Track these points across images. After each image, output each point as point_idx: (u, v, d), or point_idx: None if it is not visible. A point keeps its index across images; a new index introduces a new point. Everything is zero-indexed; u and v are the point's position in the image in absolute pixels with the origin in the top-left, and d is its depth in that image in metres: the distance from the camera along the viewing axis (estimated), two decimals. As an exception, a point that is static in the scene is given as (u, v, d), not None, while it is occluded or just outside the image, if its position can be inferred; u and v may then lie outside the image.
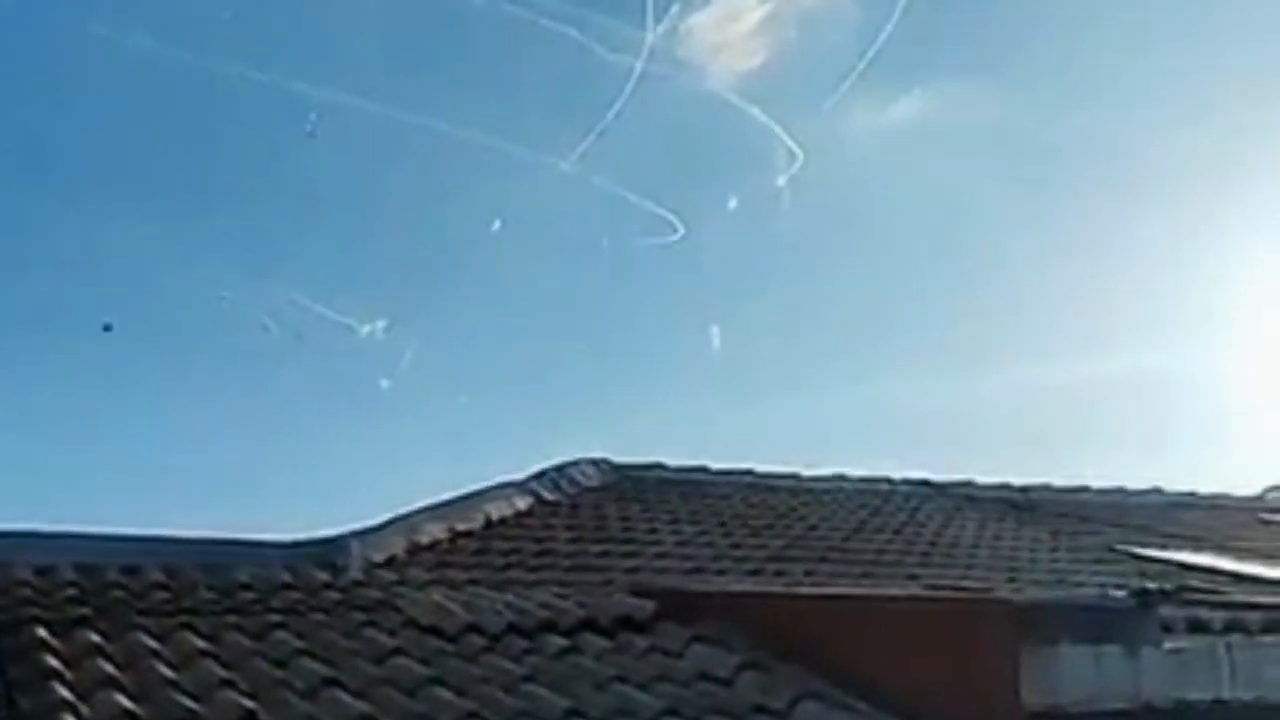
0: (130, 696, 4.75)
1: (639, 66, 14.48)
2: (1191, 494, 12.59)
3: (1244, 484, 13.22)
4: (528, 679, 5.30)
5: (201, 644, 5.43)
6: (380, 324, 15.03)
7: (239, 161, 15.71)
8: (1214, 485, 12.73)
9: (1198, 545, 9.91)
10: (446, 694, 5.07)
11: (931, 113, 15.88)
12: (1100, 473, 12.52)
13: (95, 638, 5.38)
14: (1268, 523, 11.80)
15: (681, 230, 15.18)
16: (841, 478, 11.76)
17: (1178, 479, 12.65)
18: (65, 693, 4.72)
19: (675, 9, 15.05)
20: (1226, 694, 5.36)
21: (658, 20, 14.57)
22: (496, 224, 15.64)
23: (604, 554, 8.07)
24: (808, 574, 7.87)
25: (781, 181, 15.39)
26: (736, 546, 8.73)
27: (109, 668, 5.01)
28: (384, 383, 15.75)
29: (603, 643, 5.89)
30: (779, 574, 7.85)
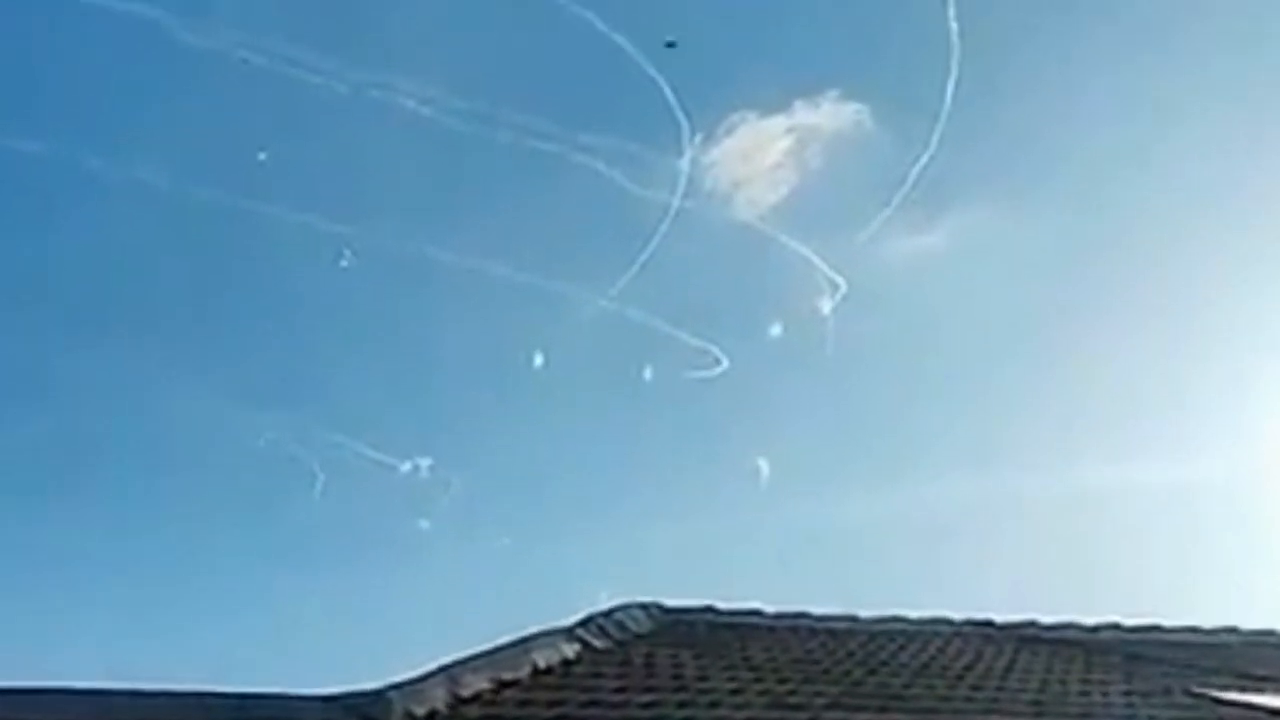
0: None
1: (675, 201, 14.51)
2: (1269, 631, 12.07)
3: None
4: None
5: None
6: (424, 462, 14.88)
7: (277, 301, 15.83)
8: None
9: (1278, 686, 9.43)
10: None
11: (966, 239, 15.85)
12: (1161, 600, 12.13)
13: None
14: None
15: (725, 362, 15.05)
16: (900, 618, 11.37)
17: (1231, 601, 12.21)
18: None
19: (699, 140, 15.13)
20: None
21: (682, 153, 14.63)
22: (538, 359, 15.58)
23: (653, 704, 7.73)
24: (869, 724, 7.49)
25: (826, 310, 15.30)
26: (793, 693, 8.35)
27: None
28: (424, 523, 15.56)
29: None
30: (838, 724, 7.47)
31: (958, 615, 11.57)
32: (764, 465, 15.18)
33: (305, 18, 16.24)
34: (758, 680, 8.73)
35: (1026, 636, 11.28)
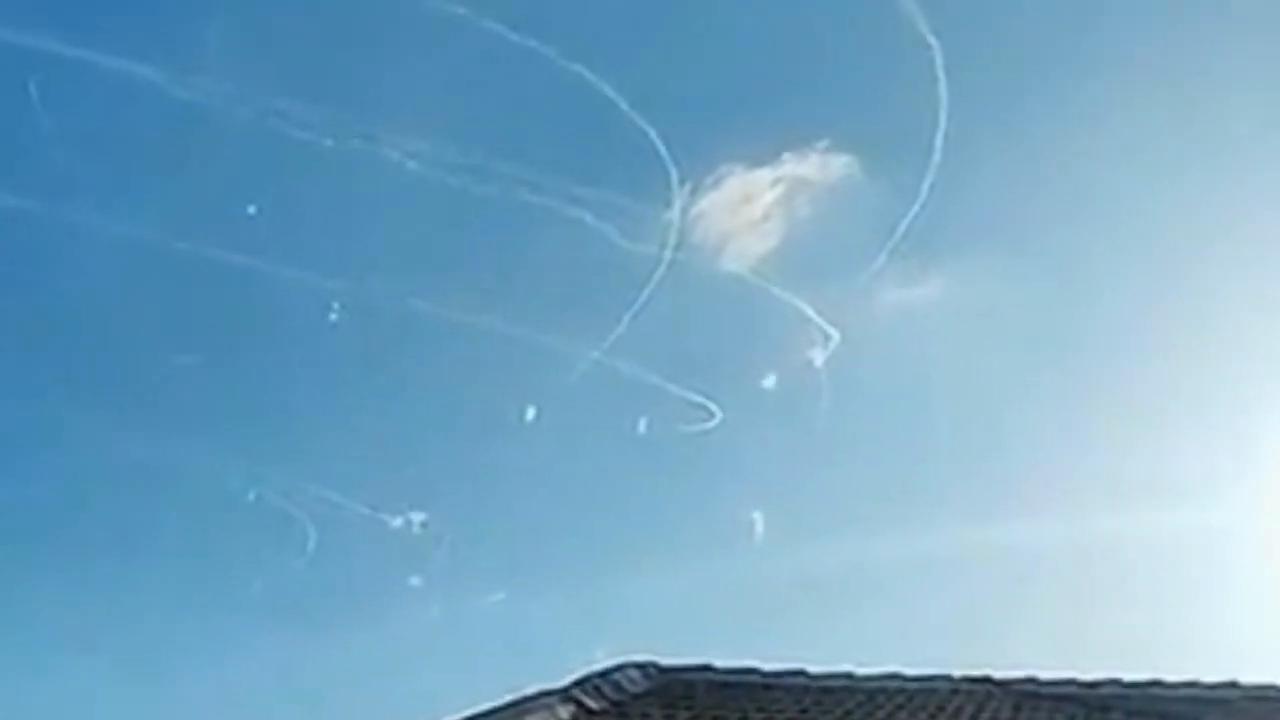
0: None
1: (665, 254, 14.46)
2: (1271, 685, 11.90)
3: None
4: None
5: None
6: (416, 517, 14.71)
7: (267, 355, 15.70)
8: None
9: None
10: None
11: (960, 289, 15.83)
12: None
13: None
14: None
15: (718, 415, 14.94)
16: (897, 675, 11.21)
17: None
18: None
19: (686, 190, 15.11)
20: None
21: (671, 204, 14.62)
22: (530, 413, 15.46)
23: (651, 768, 7.59)
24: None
25: (820, 361, 15.24)
26: (792, 756, 8.21)
27: None
28: (415, 580, 15.38)
29: None
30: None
31: (956, 671, 11.42)
32: (759, 518, 15.07)
33: (297, 73, 16.30)
34: (755, 742, 8.60)
35: (1026, 693, 11.12)
